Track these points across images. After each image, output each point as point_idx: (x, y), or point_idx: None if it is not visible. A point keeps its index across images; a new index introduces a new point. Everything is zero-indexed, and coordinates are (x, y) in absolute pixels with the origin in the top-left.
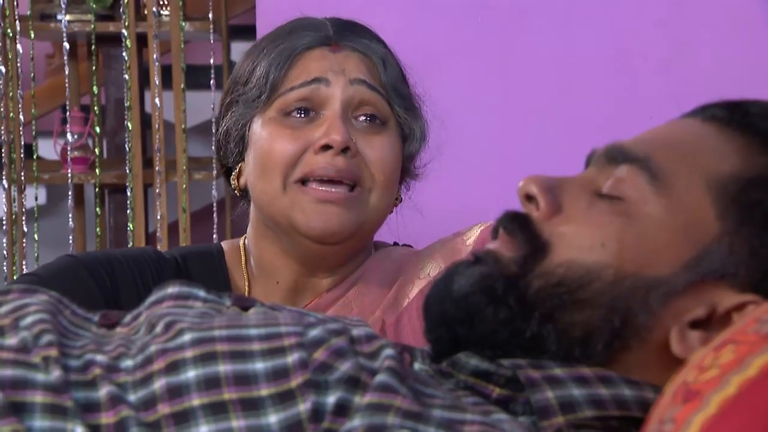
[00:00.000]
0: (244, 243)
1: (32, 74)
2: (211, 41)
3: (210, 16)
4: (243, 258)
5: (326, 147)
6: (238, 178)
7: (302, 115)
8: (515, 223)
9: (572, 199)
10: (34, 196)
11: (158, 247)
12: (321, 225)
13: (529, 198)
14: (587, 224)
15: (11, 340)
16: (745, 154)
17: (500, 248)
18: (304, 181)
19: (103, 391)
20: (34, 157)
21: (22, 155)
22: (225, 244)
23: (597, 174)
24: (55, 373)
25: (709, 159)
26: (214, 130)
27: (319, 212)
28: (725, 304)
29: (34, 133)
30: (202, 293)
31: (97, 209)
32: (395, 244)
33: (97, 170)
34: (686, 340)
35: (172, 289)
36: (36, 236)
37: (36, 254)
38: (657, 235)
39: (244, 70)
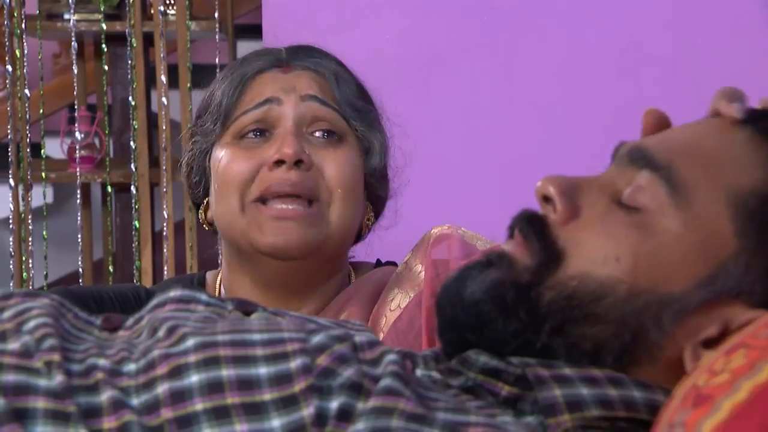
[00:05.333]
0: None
1: (41, 74)
2: (217, 40)
3: (216, 15)
4: (216, 291)
5: (279, 162)
6: (206, 213)
7: (257, 136)
8: (531, 227)
9: (590, 204)
10: (42, 194)
11: (164, 247)
12: (280, 240)
13: (546, 199)
14: (603, 235)
15: (13, 345)
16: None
17: (515, 251)
18: (262, 200)
19: (105, 396)
20: (43, 156)
21: (29, 154)
22: (209, 274)
23: (617, 175)
24: (58, 378)
25: (731, 171)
26: None
27: (277, 228)
28: (738, 321)
29: (42, 133)
30: (204, 297)
31: (107, 208)
32: (378, 261)
33: (107, 169)
34: (699, 359)
35: (174, 293)
36: (45, 234)
37: (45, 254)
38: (673, 251)
39: (202, 105)
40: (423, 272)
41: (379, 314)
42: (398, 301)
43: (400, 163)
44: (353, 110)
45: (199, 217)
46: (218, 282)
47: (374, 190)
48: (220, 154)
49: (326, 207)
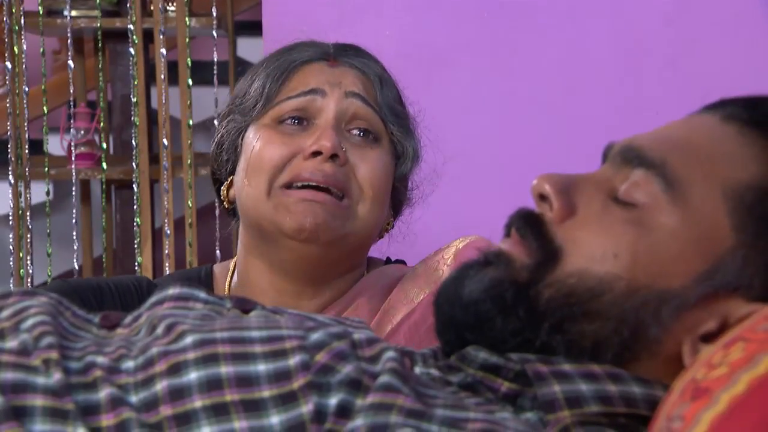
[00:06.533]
0: (235, 264)
1: (43, 70)
2: (216, 37)
3: (215, 11)
4: (228, 278)
5: (316, 153)
6: (228, 191)
7: (295, 123)
8: (528, 226)
9: (586, 202)
10: (46, 191)
11: (165, 244)
12: (307, 220)
13: (542, 197)
14: (600, 232)
15: (12, 343)
16: (763, 162)
17: (512, 250)
18: (289, 186)
19: (104, 393)
20: (45, 152)
21: (27, 151)
22: (217, 267)
23: (612, 173)
24: (56, 376)
25: (726, 165)
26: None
27: (304, 209)
28: (737, 315)
29: (45, 129)
30: (202, 295)
31: (104, 205)
32: (388, 259)
33: (103, 165)
34: (698, 353)
35: (172, 291)
36: (49, 231)
37: (48, 250)
38: (670, 247)
39: (244, 84)
40: (442, 272)
41: (391, 306)
42: (412, 296)
43: (424, 175)
44: (392, 114)
45: (221, 195)
46: (229, 273)
47: (398, 195)
48: (256, 135)
49: (355, 204)
